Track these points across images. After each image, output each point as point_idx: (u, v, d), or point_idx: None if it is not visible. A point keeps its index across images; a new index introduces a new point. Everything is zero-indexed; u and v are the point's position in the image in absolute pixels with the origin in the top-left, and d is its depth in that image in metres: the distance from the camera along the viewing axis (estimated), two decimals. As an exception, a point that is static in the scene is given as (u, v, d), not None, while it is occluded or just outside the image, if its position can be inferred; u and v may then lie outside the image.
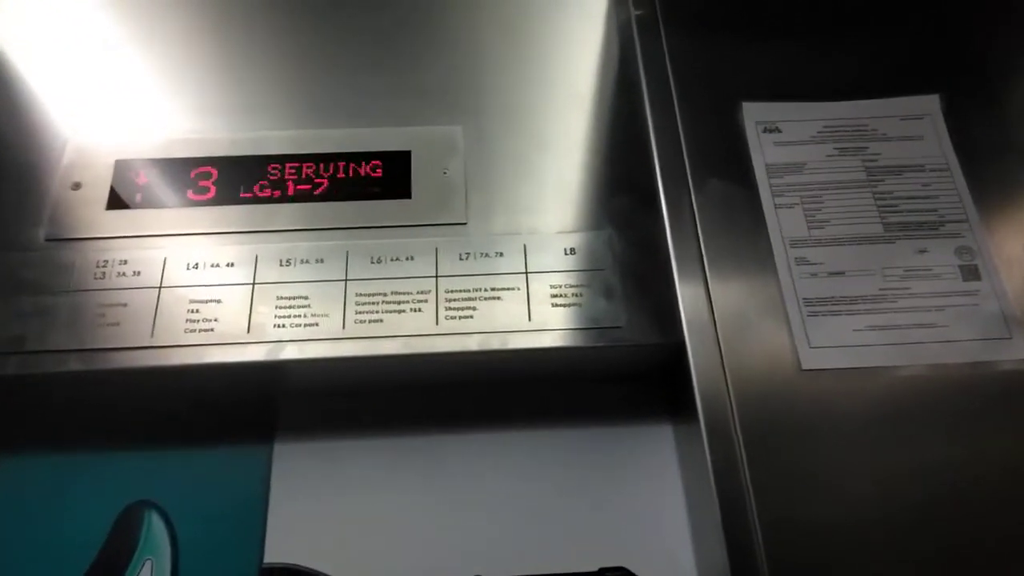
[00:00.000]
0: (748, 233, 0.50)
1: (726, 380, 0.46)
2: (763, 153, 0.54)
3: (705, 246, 0.49)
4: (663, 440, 0.51)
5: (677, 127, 0.54)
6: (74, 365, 0.46)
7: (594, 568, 0.48)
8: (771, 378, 0.46)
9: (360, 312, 0.48)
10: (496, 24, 0.61)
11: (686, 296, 0.48)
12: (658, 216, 0.51)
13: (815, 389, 0.45)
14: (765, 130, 0.55)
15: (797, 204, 0.52)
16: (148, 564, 0.48)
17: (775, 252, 0.50)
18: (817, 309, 0.48)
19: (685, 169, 0.52)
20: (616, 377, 0.52)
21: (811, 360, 0.46)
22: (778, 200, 0.52)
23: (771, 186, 0.52)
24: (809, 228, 0.50)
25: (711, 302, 0.48)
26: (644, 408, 0.52)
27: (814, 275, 0.49)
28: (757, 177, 0.53)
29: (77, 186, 0.52)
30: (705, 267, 0.49)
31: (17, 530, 0.50)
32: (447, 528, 0.49)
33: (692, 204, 0.51)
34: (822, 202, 0.52)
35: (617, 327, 0.47)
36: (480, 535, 0.49)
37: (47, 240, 0.50)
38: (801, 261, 0.49)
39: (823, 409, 0.45)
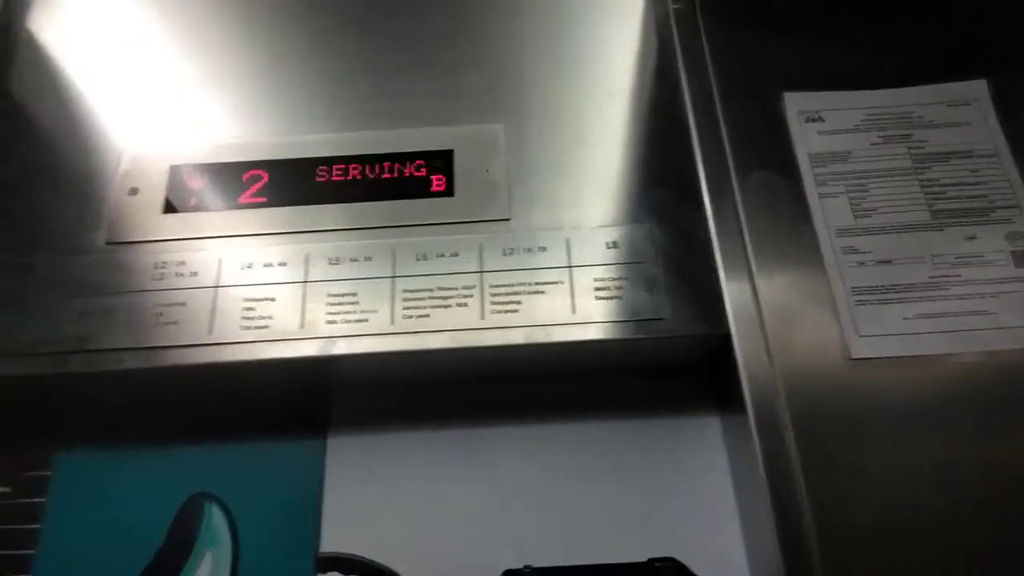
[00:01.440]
0: (793, 223, 0.50)
1: (774, 371, 0.46)
2: (806, 143, 0.53)
3: (749, 236, 0.49)
4: (711, 432, 0.51)
5: (718, 119, 0.54)
6: (134, 363, 0.48)
7: (643, 559, 0.48)
8: (820, 368, 0.45)
9: (408, 308, 0.49)
10: (534, 24, 0.61)
11: (731, 287, 0.48)
12: (700, 208, 0.51)
13: (866, 378, 0.45)
14: (808, 120, 0.54)
15: (842, 193, 0.51)
16: (209, 555, 0.50)
17: (821, 242, 0.50)
18: (866, 298, 0.47)
19: (727, 160, 0.52)
20: (661, 370, 0.52)
21: (861, 349, 0.46)
22: (822, 190, 0.52)
23: (815, 175, 0.52)
24: (855, 217, 0.50)
25: (756, 292, 0.48)
26: (690, 400, 0.52)
27: (862, 264, 0.48)
28: (800, 167, 0.52)
29: (134, 191, 0.54)
30: (749, 257, 0.49)
31: (82, 522, 0.52)
32: (497, 519, 0.50)
33: (735, 195, 0.51)
34: (868, 191, 0.51)
35: (661, 319, 0.47)
36: (530, 527, 0.49)
37: (107, 243, 0.52)
38: (848, 250, 0.49)
39: (874, 398, 0.44)
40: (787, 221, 0.50)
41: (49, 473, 0.53)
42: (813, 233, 0.50)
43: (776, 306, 0.47)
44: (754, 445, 0.44)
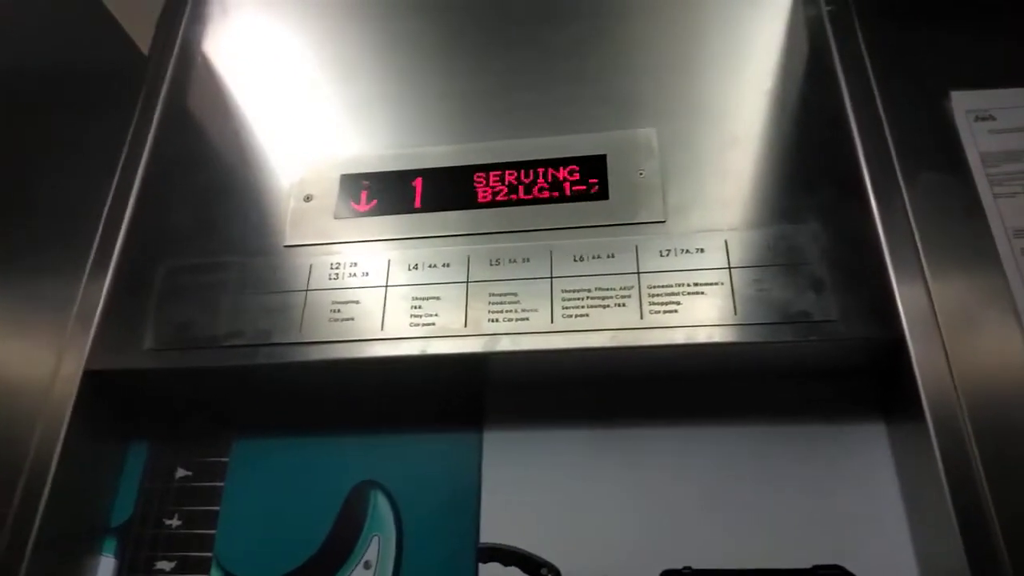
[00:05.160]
0: (966, 224, 0.48)
1: (952, 376, 0.44)
2: (976, 142, 0.51)
3: (920, 238, 0.48)
4: (875, 438, 0.50)
5: (880, 119, 0.53)
6: (316, 355, 0.51)
7: (807, 566, 0.47)
8: (1004, 374, 0.44)
9: (567, 307, 0.50)
10: (682, 27, 0.62)
11: (903, 289, 0.47)
12: (866, 208, 0.50)
13: (1055, 384, 0.43)
14: (977, 119, 0.52)
15: (1020, 193, 0.49)
16: (376, 540, 0.53)
17: (998, 243, 0.48)
18: (1052, 301, 0.45)
19: (892, 161, 0.51)
20: (823, 373, 0.51)
21: (1050, 353, 0.43)
22: (997, 190, 0.49)
23: (988, 176, 0.50)
24: (1036, 217, 0.48)
25: (931, 295, 0.46)
26: (853, 405, 0.51)
27: (1046, 266, 0.46)
28: (972, 166, 0.50)
29: (309, 199, 0.58)
30: (921, 259, 0.47)
31: (257, 505, 0.56)
32: (656, 519, 0.50)
33: (903, 196, 0.50)
34: (1049, 190, 0.49)
35: (829, 320, 0.47)
36: (689, 528, 0.49)
37: (286, 246, 0.56)
38: (1030, 251, 0.47)
39: (1066, 406, 0.42)
40: (960, 222, 0.49)
41: (227, 459, 0.58)
42: (989, 234, 0.48)
43: (952, 309, 0.46)
44: (933, 453, 0.43)
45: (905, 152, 0.51)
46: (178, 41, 0.68)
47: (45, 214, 0.60)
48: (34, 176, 0.59)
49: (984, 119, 0.52)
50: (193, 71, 0.67)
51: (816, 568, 0.47)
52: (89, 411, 0.54)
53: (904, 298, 0.46)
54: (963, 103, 0.53)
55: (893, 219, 0.49)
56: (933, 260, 0.47)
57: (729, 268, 0.50)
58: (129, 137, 0.63)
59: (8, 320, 0.57)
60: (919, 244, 0.48)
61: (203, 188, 0.60)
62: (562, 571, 0.50)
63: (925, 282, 0.47)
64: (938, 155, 0.51)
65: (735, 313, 0.48)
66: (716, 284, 0.49)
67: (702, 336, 0.48)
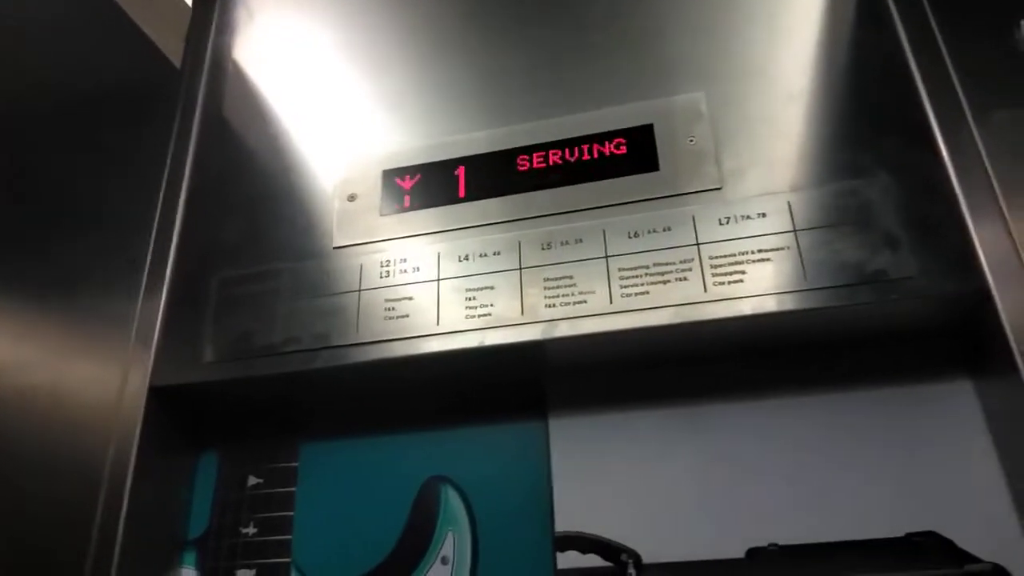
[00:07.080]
0: (1048, 162, 0.45)
1: (1045, 325, 0.41)
2: (1053, 72, 0.48)
3: (997, 181, 0.45)
4: (961, 397, 0.47)
5: (943, 58, 0.50)
6: (375, 355, 0.51)
7: (900, 534, 0.45)
8: (1103, 318, 0.41)
9: (625, 286, 0.49)
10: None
11: (984, 237, 0.44)
12: (936, 155, 0.47)
13: None
14: (1053, 47, 0.49)
15: (1105, 123, 0.46)
16: (451, 536, 0.52)
17: (1085, 179, 0.44)
18: None
19: (960, 101, 0.48)
20: (902, 334, 0.48)
21: None
22: (1079, 122, 0.46)
23: (1068, 107, 0.47)
24: None
25: (1014, 240, 0.43)
26: (935, 365, 0.48)
27: None
28: (1050, 100, 0.47)
29: (353, 198, 0.57)
30: (1001, 203, 0.45)
31: (329, 507, 0.56)
32: (735, 496, 0.48)
33: (975, 137, 0.47)
34: None
35: (908, 277, 0.44)
36: (771, 503, 0.48)
37: (335, 248, 0.55)
38: (1124, 185, 0.43)
39: None
40: (1040, 160, 0.45)
41: (296, 464, 0.58)
42: (1073, 170, 0.45)
43: (1040, 254, 0.43)
44: (1031, 408, 0.40)
45: (973, 91, 0.48)
46: (208, 52, 0.68)
47: (97, 234, 0.61)
48: (83, 199, 0.59)
49: (1060, 47, 0.49)
50: (226, 80, 0.67)
51: (909, 536, 0.45)
52: (158, 426, 0.55)
53: (985, 246, 0.44)
54: (1035, 32, 0.49)
55: (966, 163, 0.46)
56: (1014, 203, 0.44)
57: (795, 231, 0.47)
58: (170, 152, 0.63)
59: (74, 341, 0.58)
60: (996, 187, 0.45)
61: (247, 196, 0.59)
62: (642, 555, 0.49)
63: (1007, 227, 0.44)
64: (1010, 91, 0.48)
65: (805, 278, 0.46)
66: (782, 249, 0.47)
67: (771, 305, 0.46)
